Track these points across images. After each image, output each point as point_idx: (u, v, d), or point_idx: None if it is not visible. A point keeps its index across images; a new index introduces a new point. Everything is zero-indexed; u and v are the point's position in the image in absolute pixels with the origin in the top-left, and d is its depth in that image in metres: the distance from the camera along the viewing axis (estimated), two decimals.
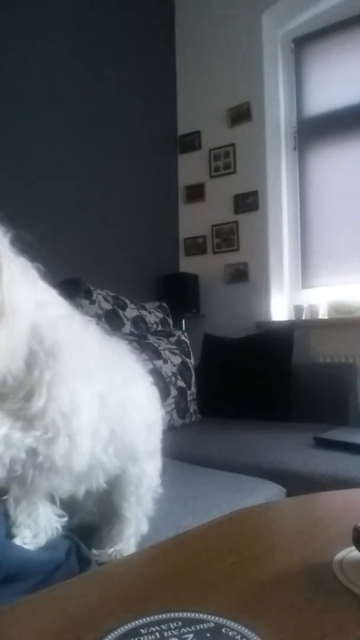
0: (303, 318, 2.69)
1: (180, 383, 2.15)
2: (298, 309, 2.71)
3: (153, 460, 0.90)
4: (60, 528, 0.78)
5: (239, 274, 2.87)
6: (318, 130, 2.79)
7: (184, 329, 2.67)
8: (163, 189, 3.03)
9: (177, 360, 2.19)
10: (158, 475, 0.92)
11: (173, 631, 0.41)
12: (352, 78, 2.66)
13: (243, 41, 2.85)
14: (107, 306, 2.20)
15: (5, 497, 0.73)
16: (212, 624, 0.42)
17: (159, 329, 2.37)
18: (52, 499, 0.79)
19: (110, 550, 0.84)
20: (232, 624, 0.42)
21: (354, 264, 2.62)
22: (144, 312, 2.35)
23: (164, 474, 0.99)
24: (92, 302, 2.14)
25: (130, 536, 0.87)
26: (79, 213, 2.48)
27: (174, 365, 2.16)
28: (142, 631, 0.41)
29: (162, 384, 2.06)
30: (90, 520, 0.90)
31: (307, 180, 2.84)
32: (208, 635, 0.41)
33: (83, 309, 2.11)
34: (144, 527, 0.91)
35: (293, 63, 2.89)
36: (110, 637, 0.41)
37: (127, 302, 2.30)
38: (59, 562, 0.72)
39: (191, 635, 0.41)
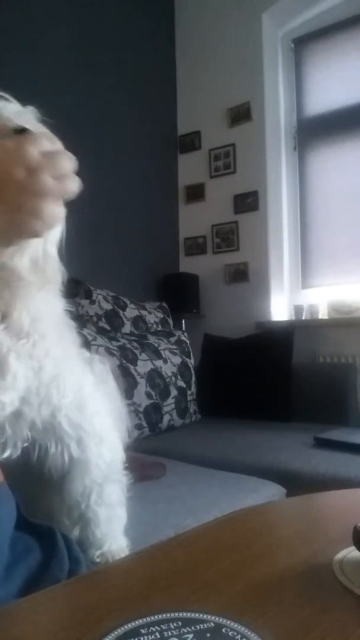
0: (303, 318, 2.69)
1: (180, 383, 2.15)
2: (298, 309, 2.71)
3: (101, 448, 0.84)
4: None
5: (239, 274, 2.87)
6: (318, 130, 2.79)
7: (184, 329, 2.67)
8: (163, 189, 3.03)
9: (177, 360, 2.19)
10: (117, 471, 0.88)
11: (173, 631, 0.41)
12: (352, 78, 2.66)
13: (243, 41, 2.85)
14: (107, 306, 2.20)
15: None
16: (212, 624, 0.42)
17: (159, 329, 2.37)
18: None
19: (98, 553, 0.84)
20: (232, 624, 0.42)
21: (354, 264, 2.62)
22: (144, 312, 2.35)
23: (164, 475, 0.99)
24: (92, 302, 2.14)
25: (111, 536, 0.86)
26: (79, 213, 2.47)
27: (174, 365, 2.16)
28: (142, 631, 0.41)
29: (162, 384, 2.06)
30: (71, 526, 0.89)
31: (307, 180, 2.84)
32: (208, 635, 0.41)
33: (83, 308, 2.11)
34: (120, 523, 0.88)
35: (293, 63, 2.89)
36: (110, 637, 0.41)
37: (127, 302, 2.30)
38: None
39: (191, 635, 0.41)
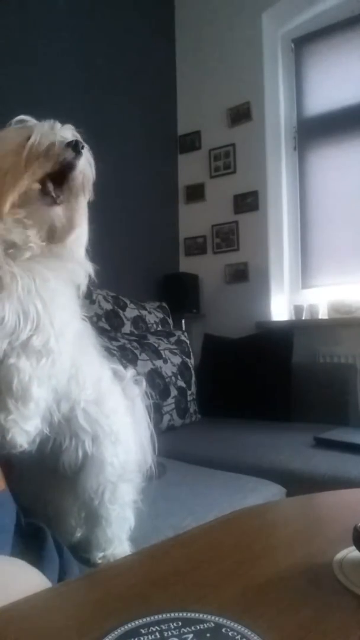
0: (303, 318, 2.69)
1: (180, 383, 2.15)
2: (298, 309, 2.71)
3: (117, 447, 0.86)
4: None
5: (239, 274, 2.87)
6: (318, 130, 2.79)
7: (184, 329, 2.67)
8: (163, 189, 3.03)
9: (177, 360, 2.19)
10: (131, 471, 0.89)
11: (173, 631, 0.41)
12: (352, 78, 2.66)
13: (243, 41, 2.85)
14: (107, 306, 2.20)
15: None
16: (212, 624, 0.42)
17: (159, 329, 2.37)
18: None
19: (100, 555, 0.84)
20: (232, 624, 0.42)
21: (354, 264, 2.62)
22: (144, 312, 2.35)
23: (164, 475, 0.99)
24: (92, 302, 2.14)
25: (117, 538, 0.86)
26: None
27: (174, 365, 2.16)
28: (142, 631, 0.41)
29: (162, 384, 2.06)
30: (77, 526, 0.89)
31: (307, 180, 2.83)
32: (208, 635, 0.41)
33: (83, 308, 2.11)
34: (128, 525, 0.89)
35: (293, 63, 2.89)
36: (110, 637, 0.41)
37: (127, 302, 2.30)
38: None
39: (191, 635, 0.41)
